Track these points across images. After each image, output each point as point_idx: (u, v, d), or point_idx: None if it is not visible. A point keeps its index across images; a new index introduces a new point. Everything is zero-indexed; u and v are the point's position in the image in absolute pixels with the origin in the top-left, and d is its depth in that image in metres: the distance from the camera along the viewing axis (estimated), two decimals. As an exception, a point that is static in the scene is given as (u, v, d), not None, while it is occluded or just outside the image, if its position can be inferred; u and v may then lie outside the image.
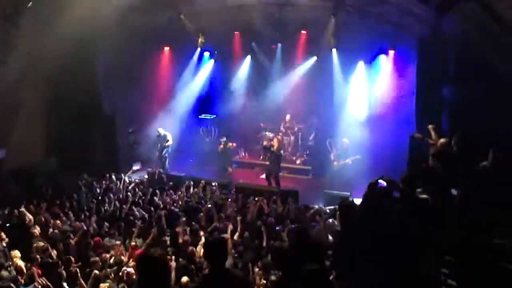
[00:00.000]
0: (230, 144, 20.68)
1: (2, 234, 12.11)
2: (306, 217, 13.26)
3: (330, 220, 12.01)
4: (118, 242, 11.88)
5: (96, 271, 10.20)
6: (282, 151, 19.67)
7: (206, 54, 22.52)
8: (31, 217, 13.29)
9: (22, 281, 9.95)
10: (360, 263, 6.30)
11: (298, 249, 6.09)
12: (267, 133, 21.93)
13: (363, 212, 6.33)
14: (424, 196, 7.21)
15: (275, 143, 19.13)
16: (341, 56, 20.06)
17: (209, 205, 14.06)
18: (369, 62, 19.41)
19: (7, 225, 13.41)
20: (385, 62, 19.01)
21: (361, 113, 19.28)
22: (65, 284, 9.54)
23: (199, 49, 21.98)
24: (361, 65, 19.73)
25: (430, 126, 11.48)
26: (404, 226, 6.04)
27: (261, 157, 21.75)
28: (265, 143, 20.07)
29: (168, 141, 20.72)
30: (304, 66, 21.08)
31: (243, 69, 22.48)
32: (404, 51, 17.67)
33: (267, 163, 20.03)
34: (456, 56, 15.31)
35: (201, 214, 13.77)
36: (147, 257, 5.11)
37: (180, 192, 16.07)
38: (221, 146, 20.49)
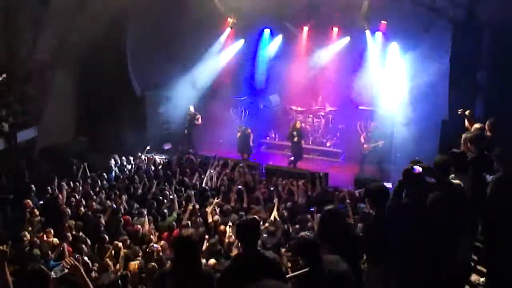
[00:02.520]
0: (248, 130, 20.35)
1: (36, 211, 12.36)
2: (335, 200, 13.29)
3: (362, 205, 12.03)
4: (147, 221, 12.08)
5: (125, 250, 10.41)
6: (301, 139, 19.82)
7: (237, 35, 22.50)
8: (63, 195, 13.54)
9: (53, 256, 10.17)
10: (393, 248, 6.33)
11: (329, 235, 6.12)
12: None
13: (398, 198, 6.34)
14: (457, 181, 7.20)
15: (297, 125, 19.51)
16: (374, 38, 19.93)
17: (239, 187, 14.11)
18: (402, 45, 19.19)
19: (40, 202, 13.67)
20: (419, 45, 18.83)
21: (393, 97, 19.11)
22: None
23: (229, 29, 22.02)
24: (393, 47, 19.54)
25: (467, 112, 11.31)
26: (439, 212, 6.03)
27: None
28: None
29: (198, 120, 20.78)
30: (337, 45, 20.91)
31: (274, 49, 22.41)
32: (438, 35, 17.46)
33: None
34: (490, 41, 15.15)
35: (231, 194, 13.88)
36: (179, 237, 5.37)
37: (209, 172, 16.12)
38: (239, 133, 20.45)
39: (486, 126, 9.58)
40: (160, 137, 21.60)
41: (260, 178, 16.33)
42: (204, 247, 10.46)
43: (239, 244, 5.99)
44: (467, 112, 10.72)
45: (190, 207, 12.51)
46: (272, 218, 11.81)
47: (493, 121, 9.67)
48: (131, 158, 17.87)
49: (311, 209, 12.43)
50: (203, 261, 9.29)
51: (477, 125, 9.68)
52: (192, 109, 21.05)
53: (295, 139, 19.55)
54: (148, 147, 18.89)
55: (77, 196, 13.75)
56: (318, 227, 7.62)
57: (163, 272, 5.48)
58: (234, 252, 9.91)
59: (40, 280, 5.12)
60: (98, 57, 18.41)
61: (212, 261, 9.44)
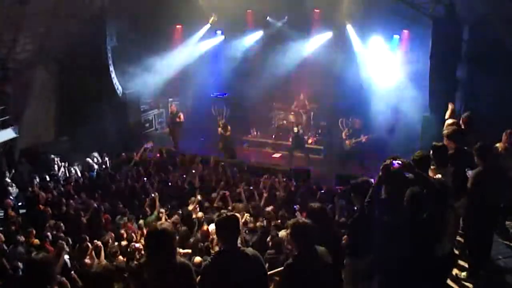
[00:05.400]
0: (228, 128, 20.12)
1: (11, 212, 12.29)
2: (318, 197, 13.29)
3: (342, 201, 12.06)
4: (129, 220, 12.02)
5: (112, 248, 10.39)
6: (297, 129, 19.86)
7: (218, 32, 22.55)
8: (44, 195, 13.46)
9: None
10: (375, 241, 6.36)
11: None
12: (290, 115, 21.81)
13: (377, 193, 6.37)
14: (438, 176, 7.23)
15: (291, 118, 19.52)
16: (356, 34, 19.99)
17: (224, 191, 13.95)
18: (383, 41, 19.26)
19: (19, 204, 13.60)
20: (399, 41, 18.91)
21: (375, 92, 19.15)
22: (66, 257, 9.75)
23: (209, 25, 22.11)
24: (374, 43, 19.60)
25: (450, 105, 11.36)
26: (419, 206, 6.06)
27: (274, 136, 21.83)
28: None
29: (180, 118, 20.69)
30: (319, 41, 20.95)
31: (255, 45, 22.51)
32: (419, 31, 17.53)
33: (280, 142, 20.36)
34: (470, 37, 15.27)
35: (214, 193, 13.81)
36: (153, 230, 5.35)
37: (191, 171, 16.06)
38: (219, 128, 20.35)
39: (461, 121, 9.66)
40: (142, 136, 21.53)
41: (242, 176, 16.28)
42: (188, 245, 10.44)
43: (219, 241, 5.95)
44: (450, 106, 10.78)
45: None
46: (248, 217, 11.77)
47: (468, 115, 9.75)
48: (113, 157, 17.83)
49: (294, 207, 12.44)
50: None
51: (449, 121, 9.77)
52: (174, 108, 20.99)
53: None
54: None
55: (58, 195, 13.69)
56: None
57: (141, 264, 5.45)
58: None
59: (45, 268, 5.16)
60: (79, 55, 18.27)
61: (197, 259, 9.40)
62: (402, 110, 17.84)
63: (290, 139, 20.14)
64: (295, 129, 19.75)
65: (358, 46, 19.96)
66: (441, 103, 12.06)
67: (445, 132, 8.69)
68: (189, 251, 10.15)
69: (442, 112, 11.29)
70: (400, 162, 6.41)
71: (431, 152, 7.66)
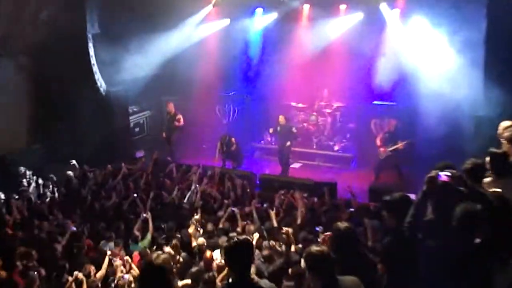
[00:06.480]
0: (232, 140, 20.15)
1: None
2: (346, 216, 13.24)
3: (375, 221, 11.99)
4: (116, 246, 12.00)
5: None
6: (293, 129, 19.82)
7: (222, 14, 22.43)
8: (13, 215, 13.48)
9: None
10: (418, 271, 6.32)
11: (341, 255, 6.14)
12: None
13: (420, 212, 6.33)
14: (495, 189, 7.18)
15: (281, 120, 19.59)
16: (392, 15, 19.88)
17: (233, 209, 13.86)
18: (427, 23, 19.05)
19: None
20: (446, 25, 18.73)
21: (416, 88, 18.98)
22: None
23: (211, 7, 22.15)
24: (416, 25, 19.37)
25: None
26: (474, 227, 6.01)
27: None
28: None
29: (179, 121, 20.60)
30: (346, 25, 20.82)
31: (267, 30, 22.51)
32: (471, 11, 17.38)
33: (299, 149, 20.31)
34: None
35: (220, 212, 13.78)
36: (149, 266, 5.37)
37: (192, 185, 16.03)
38: (219, 144, 20.22)
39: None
40: (132, 143, 21.54)
41: (254, 191, 16.25)
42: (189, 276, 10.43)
43: (229, 271, 5.95)
44: None
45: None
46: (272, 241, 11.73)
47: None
48: (96, 169, 17.82)
49: (316, 228, 12.40)
50: None
51: (506, 123, 9.68)
52: (171, 108, 20.88)
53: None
54: None
55: (29, 216, 13.71)
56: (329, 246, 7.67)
57: None
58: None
59: None
60: (54, 47, 18.25)
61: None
62: (450, 108, 17.68)
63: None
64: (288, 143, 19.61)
65: (396, 29, 19.83)
66: (499, 99, 11.99)
67: (506, 135, 8.63)
68: (189, 281, 10.12)
69: (499, 110, 11.24)
70: (448, 173, 6.36)
71: (487, 159, 7.61)
